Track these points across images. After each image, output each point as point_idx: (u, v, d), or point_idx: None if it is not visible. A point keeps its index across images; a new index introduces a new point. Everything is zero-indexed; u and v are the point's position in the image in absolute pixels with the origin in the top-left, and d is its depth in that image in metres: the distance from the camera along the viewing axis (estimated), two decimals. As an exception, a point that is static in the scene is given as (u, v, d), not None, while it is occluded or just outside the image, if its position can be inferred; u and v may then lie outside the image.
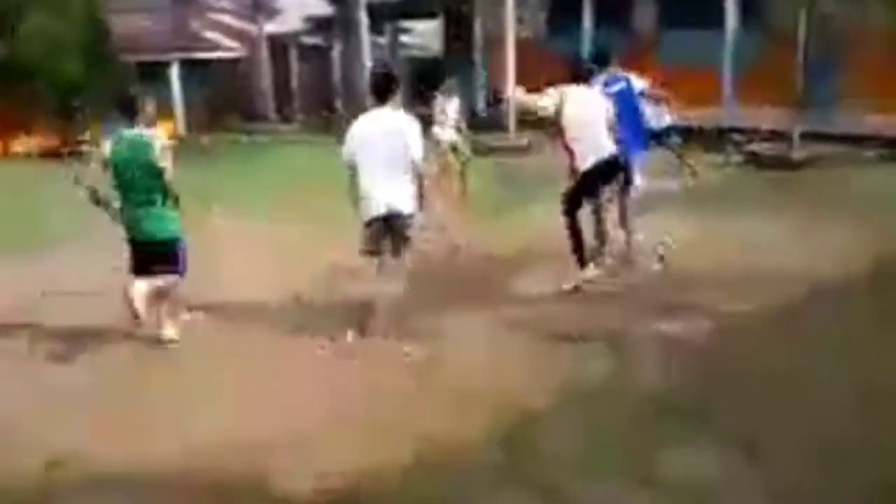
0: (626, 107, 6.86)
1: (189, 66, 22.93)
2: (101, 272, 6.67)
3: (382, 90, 5.61)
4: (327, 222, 7.75)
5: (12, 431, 4.47)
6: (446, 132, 10.30)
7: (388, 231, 5.60)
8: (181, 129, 22.32)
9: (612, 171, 6.60)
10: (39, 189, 12.38)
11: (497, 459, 4.01)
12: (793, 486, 3.70)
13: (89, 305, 6.28)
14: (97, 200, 5.53)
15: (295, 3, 24.21)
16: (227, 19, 26.14)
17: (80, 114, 18.48)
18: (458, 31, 20.89)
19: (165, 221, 5.58)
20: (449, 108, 10.39)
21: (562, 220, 6.64)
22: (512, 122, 15.94)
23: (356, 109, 20.62)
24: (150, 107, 5.69)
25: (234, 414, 4.63)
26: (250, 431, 4.38)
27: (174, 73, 22.60)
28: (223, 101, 23.18)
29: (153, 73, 21.98)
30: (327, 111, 22.22)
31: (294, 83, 23.98)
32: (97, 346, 5.69)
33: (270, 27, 22.97)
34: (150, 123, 5.69)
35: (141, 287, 5.48)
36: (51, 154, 18.40)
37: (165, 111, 22.09)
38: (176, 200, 5.58)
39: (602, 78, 6.99)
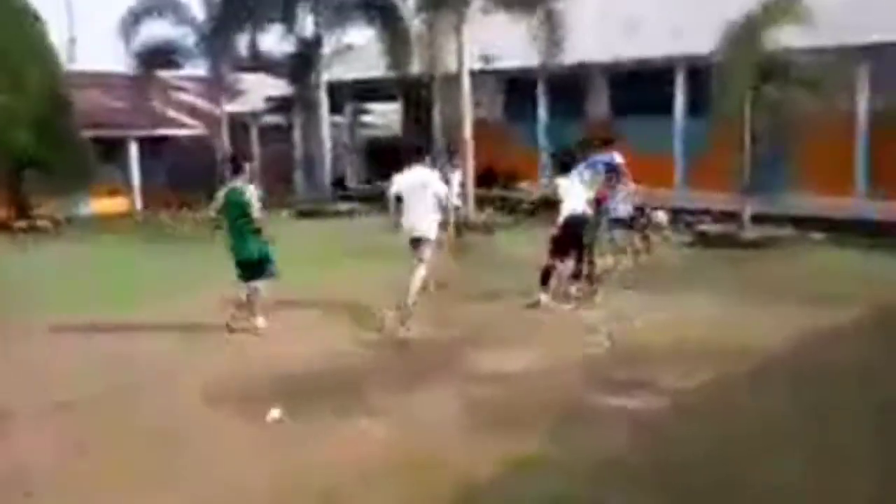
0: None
1: (149, 144, 22.94)
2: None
3: (414, 155, 9.02)
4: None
5: None
6: (454, 199, 11.17)
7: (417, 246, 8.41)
8: (138, 204, 22.16)
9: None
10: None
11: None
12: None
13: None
14: (218, 227, 8.14)
15: (256, 84, 24.54)
16: (187, 98, 26.33)
17: (29, 188, 18.26)
18: (417, 113, 21.31)
19: (254, 244, 7.85)
20: (454, 178, 12.06)
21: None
22: (471, 201, 16.14)
23: (315, 185, 20.77)
24: (247, 167, 8.36)
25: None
26: None
27: (133, 149, 22.56)
28: (182, 178, 23.12)
29: (112, 150, 21.92)
30: (286, 187, 22.32)
31: (255, 161, 24.05)
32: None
33: (231, 107, 23.16)
34: (247, 179, 8.09)
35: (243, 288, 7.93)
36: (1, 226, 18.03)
37: (123, 187, 21.98)
38: (259, 231, 7.84)
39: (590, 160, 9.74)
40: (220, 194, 7.99)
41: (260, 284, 7.94)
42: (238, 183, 7.93)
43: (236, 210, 7.77)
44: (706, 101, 15.51)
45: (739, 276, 10.18)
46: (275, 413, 5.60)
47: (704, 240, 12.74)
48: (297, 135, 22.72)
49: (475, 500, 4.33)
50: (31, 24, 18.24)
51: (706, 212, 14.13)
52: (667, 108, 16.32)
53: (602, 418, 5.44)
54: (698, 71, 15.26)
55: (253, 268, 7.87)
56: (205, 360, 7.07)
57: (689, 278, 10.08)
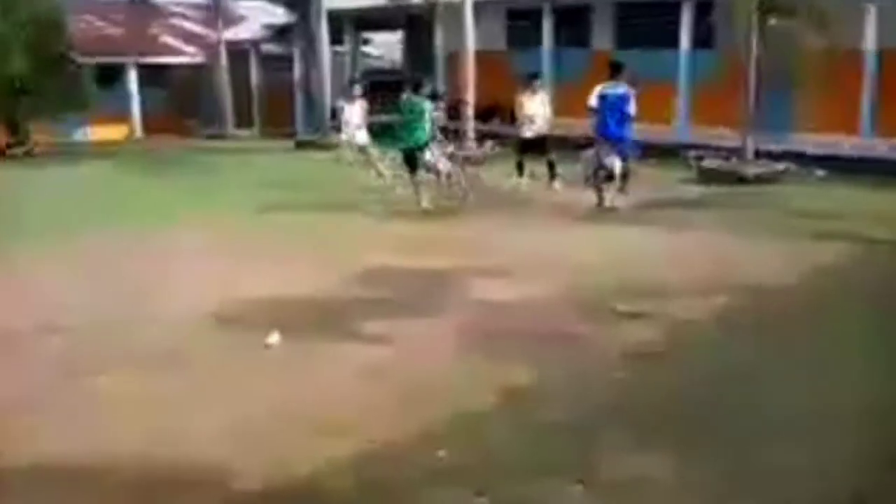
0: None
1: (148, 70, 22.69)
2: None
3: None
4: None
5: None
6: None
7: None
8: (138, 131, 22.06)
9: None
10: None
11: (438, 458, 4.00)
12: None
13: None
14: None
15: (256, 11, 24.10)
16: (186, 25, 25.92)
17: (25, 112, 18.20)
18: (419, 43, 20.97)
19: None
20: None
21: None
22: (471, 133, 16.03)
23: (314, 117, 20.62)
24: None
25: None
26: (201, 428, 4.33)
27: (132, 76, 22.33)
28: (182, 105, 22.94)
29: (111, 76, 21.72)
30: (286, 117, 22.14)
31: (253, 90, 23.82)
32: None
33: (230, 34, 22.81)
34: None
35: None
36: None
37: (122, 113, 21.85)
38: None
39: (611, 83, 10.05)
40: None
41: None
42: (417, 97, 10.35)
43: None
44: (712, 34, 15.27)
45: (741, 212, 10.16)
46: (273, 338, 5.65)
47: (707, 175, 12.66)
48: (296, 64, 22.41)
49: (471, 428, 4.38)
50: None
51: (708, 147, 14.01)
52: (672, 40, 16.03)
53: (600, 348, 5.48)
54: (705, 2, 14.96)
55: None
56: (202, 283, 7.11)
57: (690, 213, 10.07)
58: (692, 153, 13.93)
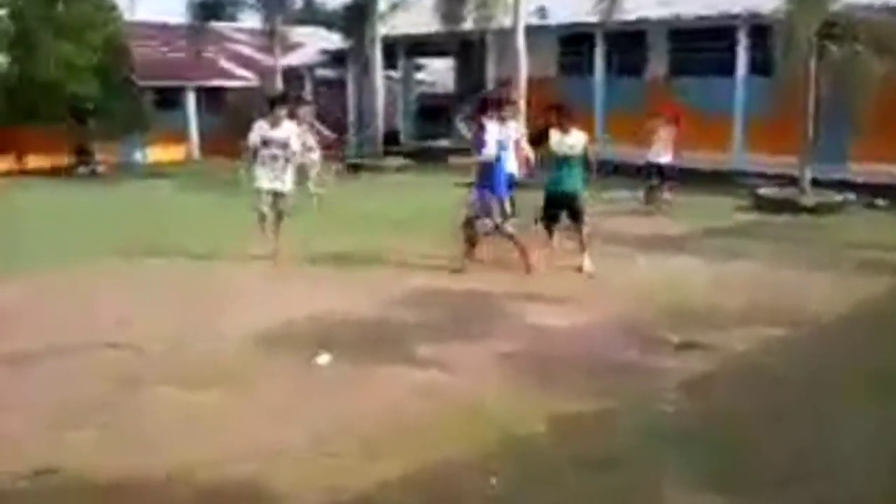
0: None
1: (206, 94, 23.25)
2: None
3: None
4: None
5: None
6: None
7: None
8: (195, 152, 22.57)
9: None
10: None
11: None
12: None
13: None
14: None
15: (312, 37, 24.57)
16: (244, 50, 26.52)
17: (91, 133, 18.89)
18: (470, 69, 21.10)
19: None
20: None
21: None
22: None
23: (367, 139, 20.83)
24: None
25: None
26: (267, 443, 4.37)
27: (190, 99, 22.88)
28: (238, 128, 23.38)
29: (171, 99, 22.34)
30: (339, 141, 22.41)
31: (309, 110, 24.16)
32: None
33: (286, 59, 23.25)
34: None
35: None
36: (62, 171, 18.62)
37: (180, 135, 22.40)
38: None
39: None
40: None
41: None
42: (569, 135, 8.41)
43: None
44: (768, 61, 15.06)
45: (798, 242, 9.94)
46: (323, 358, 5.69)
47: (763, 203, 12.44)
48: (350, 89, 22.73)
49: (522, 457, 4.33)
50: (93, -24, 18.57)
51: (764, 175, 13.78)
52: (727, 68, 15.85)
53: (653, 379, 5.39)
54: (761, 29, 14.78)
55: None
56: (253, 304, 7.19)
57: (746, 242, 9.88)
58: (748, 181, 13.73)
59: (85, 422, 4.72)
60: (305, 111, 12.78)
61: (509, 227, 8.37)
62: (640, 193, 12.44)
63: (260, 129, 8.76)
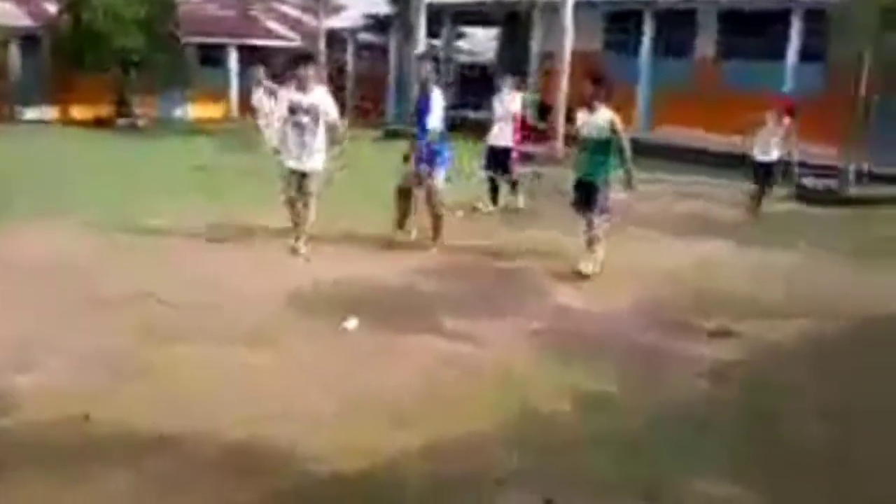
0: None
1: (248, 52, 23.29)
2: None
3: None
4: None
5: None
6: None
7: None
8: (235, 110, 22.68)
9: None
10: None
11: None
12: None
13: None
14: None
15: (357, 1, 24.43)
16: (288, 10, 26.49)
17: (132, 86, 19.03)
18: (514, 40, 20.87)
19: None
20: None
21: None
22: (560, 134, 15.85)
23: (405, 106, 20.73)
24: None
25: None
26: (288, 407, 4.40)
27: (233, 57, 22.94)
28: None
29: (213, 56, 22.41)
30: (377, 106, 22.36)
31: (348, 76, 24.15)
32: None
33: (330, 22, 23.18)
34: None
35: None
36: (104, 122, 18.84)
37: (221, 92, 22.49)
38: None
39: None
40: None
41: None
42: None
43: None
44: (821, 47, 14.68)
45: (840, 233, 9.74)
46: (351, 322, 5.69)
47: (807, 193, 12.18)
48: (392, 55, 22.61)
49: (544, 434, 4.31)
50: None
51: (811, 164, 13.46)
52: (777, 53, 15.49)
53: (682, 364, 5.30)
54: (816, 14, 14.40)
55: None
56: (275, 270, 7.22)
57: (786, 231, 9.69)
58: (795, 170, 13.44)
59: (120, 373, 4.77)
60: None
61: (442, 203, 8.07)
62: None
63: (287, 94, 7.76)
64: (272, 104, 11.51)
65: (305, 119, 7.53)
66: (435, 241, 8.06)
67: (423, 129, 7.82)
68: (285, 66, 7.83)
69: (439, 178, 8.00)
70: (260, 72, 13.00)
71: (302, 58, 8.07)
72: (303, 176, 7.64)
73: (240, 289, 6.50)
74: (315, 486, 3.70)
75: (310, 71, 7.62)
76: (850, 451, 4.22)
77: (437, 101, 7.79)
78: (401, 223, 8.21)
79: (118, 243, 7.82)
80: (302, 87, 7.54)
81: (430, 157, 7.87)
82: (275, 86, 11.99)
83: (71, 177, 11.54)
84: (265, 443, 4.02)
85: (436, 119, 7.78)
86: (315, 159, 7.64)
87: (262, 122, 12.40)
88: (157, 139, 16.95)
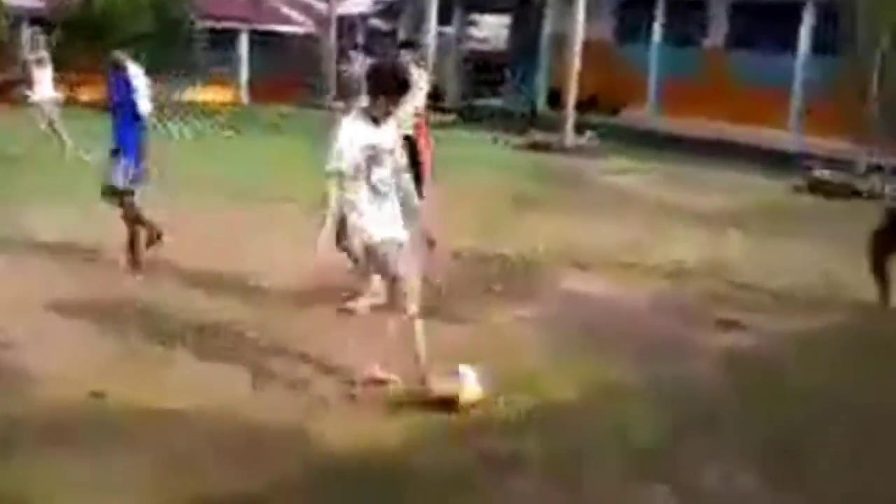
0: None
1: (259, 37, 23.21)
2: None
3: None
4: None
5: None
6: None
7: None
8: (244, 95, 22.64)
9: None
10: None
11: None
12: None
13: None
14: None
15: (368, -15, 24.38)
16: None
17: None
18: (526, 28, 20.80)
19: None
20: None
21: None
22: (570, 123, 15.80)
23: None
24: None
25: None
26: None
27: (243, 42, 22.89)
28: (287, 73, 23.40)
29: (224, 40, 22.33)
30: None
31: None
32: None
33: (342, 7, 23.11)
34: None
35: None
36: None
37: (230, 76, 22.44)
38: None
39: None
40: None
41: None
42: None
43: None
44: (833, 40, 14.57)
45: (851, 226, 9.66)
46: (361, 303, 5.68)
47: (818, 186, 12.14)
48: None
49: (560, 421, 4.33)
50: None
51: (822, 157, 13.41)
52: (788, 44, 15.42)
53: (694, 353, 5.33)
54: (828, 7, 14.32)
55: None
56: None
57: (796, 223, 9.67)
58: (805, 163, 13.42)
59: (141, 348, 4.88)
60: None
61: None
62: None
63: (356, 132, 4.28)
64: None
65: (387, 173, 4.41)
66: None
67: None
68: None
69: None
70: (41, 41, 12.18)
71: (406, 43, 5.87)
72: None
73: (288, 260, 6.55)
74: (323, 466, 3.73)
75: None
76: (865, 445, 4.22)
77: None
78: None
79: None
80: (376, 114, 4.36)
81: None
82: None
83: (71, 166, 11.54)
84: (272, 423, 4.06)
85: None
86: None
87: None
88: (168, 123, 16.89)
